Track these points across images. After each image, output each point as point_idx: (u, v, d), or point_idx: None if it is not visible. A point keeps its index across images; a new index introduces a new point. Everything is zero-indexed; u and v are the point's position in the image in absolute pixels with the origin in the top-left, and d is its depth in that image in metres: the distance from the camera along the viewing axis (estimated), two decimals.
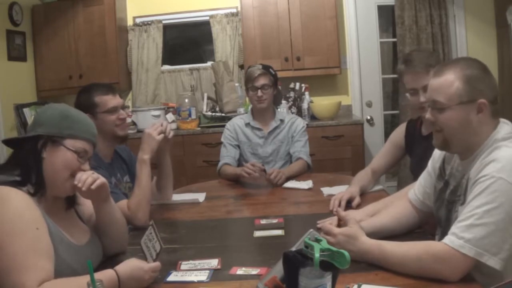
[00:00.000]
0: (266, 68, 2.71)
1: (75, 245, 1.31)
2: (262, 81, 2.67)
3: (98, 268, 1.25)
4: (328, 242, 1.11)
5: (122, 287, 1.18)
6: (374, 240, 1.34)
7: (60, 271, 1.19)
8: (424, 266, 1.19)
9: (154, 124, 1.99)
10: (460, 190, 1.34)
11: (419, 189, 1.58)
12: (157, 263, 1.28)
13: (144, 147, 1.92)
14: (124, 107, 2.04)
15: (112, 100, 1.98)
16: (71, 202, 1.40)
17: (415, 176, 1.95)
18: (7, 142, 1.34)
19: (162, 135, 1.95)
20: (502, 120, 1.33)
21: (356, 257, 1.26)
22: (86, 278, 1.12)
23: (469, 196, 1.23)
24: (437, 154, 1.53)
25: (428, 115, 1.36)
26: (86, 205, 1.50)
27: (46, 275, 1.13)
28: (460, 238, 1.17)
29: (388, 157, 2.27)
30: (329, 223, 1.47)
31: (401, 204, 1.62)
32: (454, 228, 1.20)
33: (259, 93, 2.67)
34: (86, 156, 1.35)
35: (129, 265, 1.22)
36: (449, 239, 1.19)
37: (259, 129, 2.77)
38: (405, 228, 1.55)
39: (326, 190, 2.23)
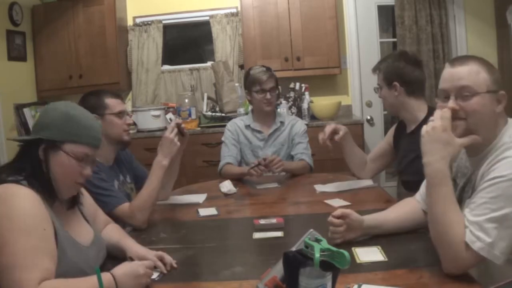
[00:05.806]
0: (270, 70, 2.73)
1: (81, 245, 1.33)
2: (270, 83, 2.68)
3: (101, 269, 1.26)
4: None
5: (119, 284, 1.19)
6: None
7: (68, 272, 1.20)
8: (443, 241, 1.19)
9: (171, 127, 1.95)
10: (469, 186, 1.32)
11: (424, 190, 1.57)
12: (149, 261, 1.33)
13: (164, 152, 1.89)
14: (127, 113, 2.08)
15: (121, 105, 2.03)
16: (74, 202, 1.40)
17: (398, 173, 2.04)
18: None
19: (178, 143, 1.95)
20: (510, 119, 1.32)
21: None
22: (85, 281, 1.16)
23: (481, 194, 1.19)
24: None
25: (451, 103, 1.29)
26: (88, 207, 1.50)
27: (47, 274, 1.13)
28: (481, 240, 1.14)
29: (381, 150, 2.42)
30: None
31: (408, 202, 1.62)
32: (472, 229, 1.16)
33: (268, 95, 2.67)
34: (87, 159, 1.33)
35: (123, 265, 1.26)
36: (469, 239, 1.16)
37: (259, 132, 2.76)
38: (411, 225, 1.55)
39: (319, 187, 2.26)
